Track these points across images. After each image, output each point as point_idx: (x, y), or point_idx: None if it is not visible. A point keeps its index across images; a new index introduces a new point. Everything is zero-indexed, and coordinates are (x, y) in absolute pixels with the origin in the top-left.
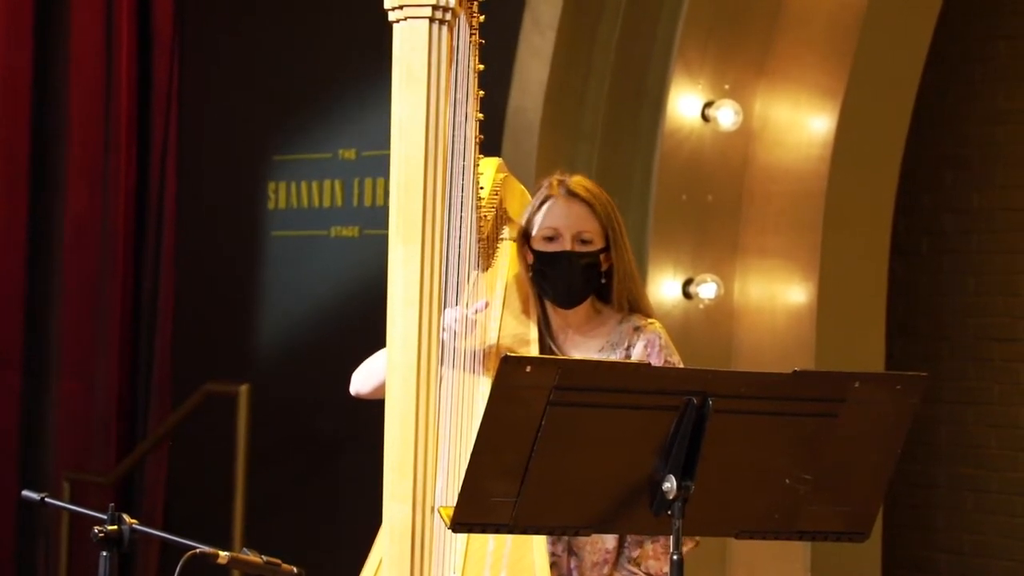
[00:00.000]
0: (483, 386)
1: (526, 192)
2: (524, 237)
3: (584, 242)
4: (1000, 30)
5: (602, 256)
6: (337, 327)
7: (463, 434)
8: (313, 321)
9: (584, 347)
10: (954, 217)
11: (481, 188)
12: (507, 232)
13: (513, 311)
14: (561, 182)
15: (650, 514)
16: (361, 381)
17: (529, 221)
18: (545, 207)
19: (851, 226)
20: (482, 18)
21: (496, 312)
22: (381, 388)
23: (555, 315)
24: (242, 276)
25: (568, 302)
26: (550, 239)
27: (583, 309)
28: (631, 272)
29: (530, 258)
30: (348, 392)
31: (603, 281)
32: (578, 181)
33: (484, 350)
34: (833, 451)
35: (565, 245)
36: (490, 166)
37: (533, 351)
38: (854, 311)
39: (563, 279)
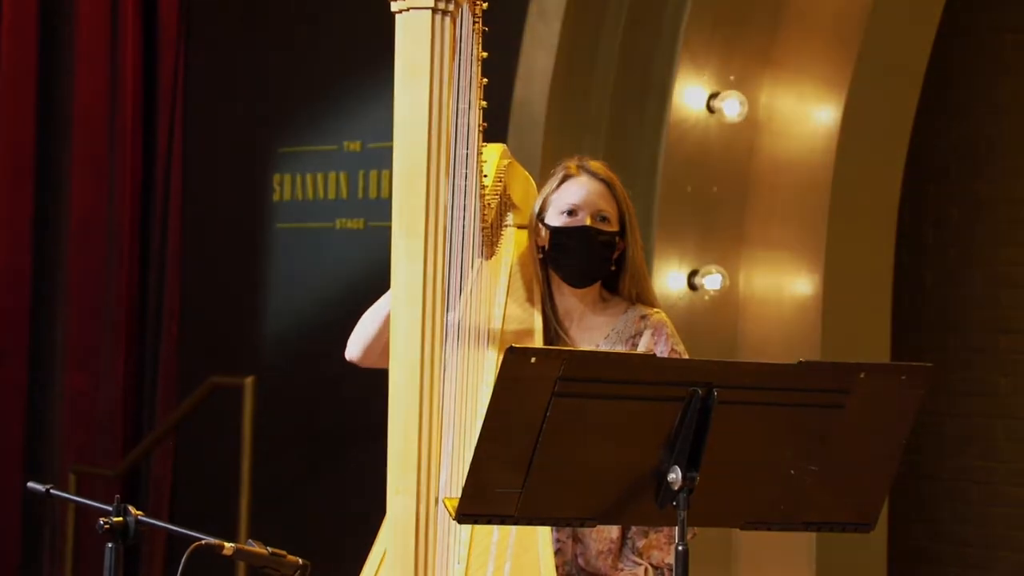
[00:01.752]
0: (488, 376)
1: (530, 178)
2: (538, 217)
3: (603, 219)
4: (1006, 21)
5: (617, 239)
6: (342, 319)
7: (467, 424)
8: (318, 313)
9: (590, 333)
10: (960, 208)
11: (485, 176)
12: (511, 219)
13: (517, 298)
14: (580, 165)
15: (655, 505)
16: (352, 344)
17: (545, 200)
18: (564, 185)
19: (857, 217)
20: (485, 6)
21: (500, 300)
22: (372, 349)
23: (562, 300)
24: (247, 269)
25: (582, 279)
26: (569, 214)
27: (591, 294)
28: (641, 263)
29: (543, 237)
30: (353, 384)
31: (612, 268)
32: (597, 164)
33: (488, 338)
34: (839, 442)
35: (584, 221)
36: (494, 152)
37: (538, 339)
38: (860, 302)
39: (580, 254)
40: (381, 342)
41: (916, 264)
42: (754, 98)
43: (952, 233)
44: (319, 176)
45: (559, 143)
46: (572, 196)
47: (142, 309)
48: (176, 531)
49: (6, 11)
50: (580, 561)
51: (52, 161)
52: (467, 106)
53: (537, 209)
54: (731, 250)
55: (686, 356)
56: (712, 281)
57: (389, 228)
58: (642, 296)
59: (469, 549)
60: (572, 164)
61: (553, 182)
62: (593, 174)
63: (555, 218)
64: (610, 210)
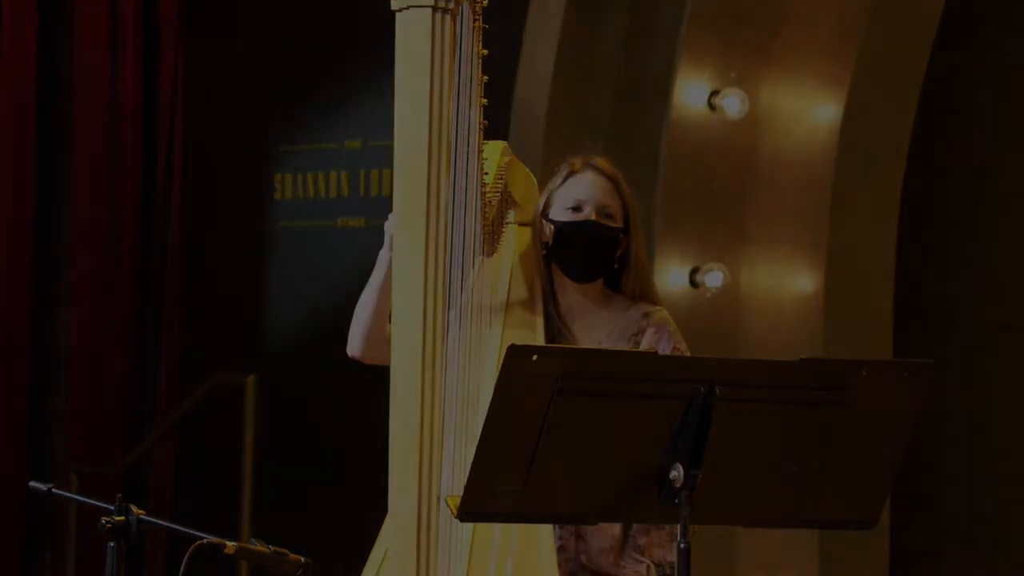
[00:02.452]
0: (489, 374)
1: (531, 176)
2: (542, 213)
3: (608, 216)
4: (1007, 17)
5: (621, 236)
6: (344, 318)
7: (469, 423)
8: (320, 312)
9: (593, 330)
10: (960, 204)
11: (485, 173)
12: (512, 216)
13: (519, 296)
14: (585, 161)
15: (657, 503)
16: (352, 338)
17: (550, 196)
18: (569, 181)
19: (858, 214)
20: (486, 3)
21: (502, 297)
22: (372, 339)
23: (564, 297)
24: (249, 267)
25: (586, 274)
26: (574, 209)
27: (594, 290)
28: (644, 260)
29: (547, 233)
30: (355, 382)
31: (616, 266)
32: (602, 160)
33: (490, 336)
34: (841, 439)
35: (589, 216)
36: (495, 150)
37: (539, 336)
38: (861, 299)
39: (585, 248)
40: (379, 331)
41: (916, 261)
42: (755, 95)
43: (952, 231)
44: (320, 175)
45: (560, 140)
46: (577, 192)
47: (143, 308)
48: (178, 530)
49: (6, 11)
50: (583, 558)
51: (52, 162)
52: (468, 104)
53: (541, 205)
54: (732, 247)
55: (688, 354)
56: (713, 278)
57: None
58: (645, 294)
59: (471, 547)
60: (577, 160)
61: (558, 178)
62: (598, 170)
63: (560, 213)
64: (615, 207)
